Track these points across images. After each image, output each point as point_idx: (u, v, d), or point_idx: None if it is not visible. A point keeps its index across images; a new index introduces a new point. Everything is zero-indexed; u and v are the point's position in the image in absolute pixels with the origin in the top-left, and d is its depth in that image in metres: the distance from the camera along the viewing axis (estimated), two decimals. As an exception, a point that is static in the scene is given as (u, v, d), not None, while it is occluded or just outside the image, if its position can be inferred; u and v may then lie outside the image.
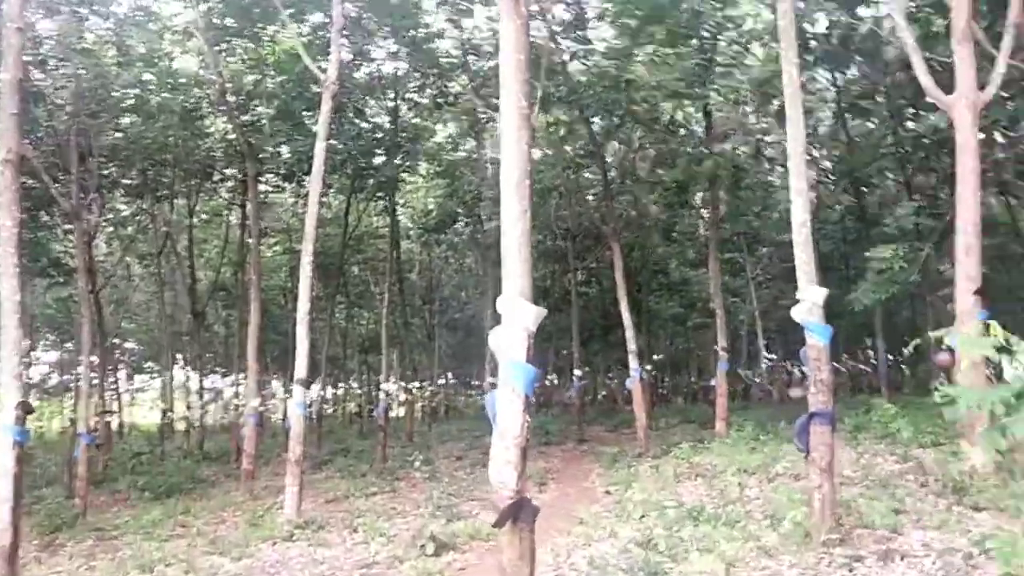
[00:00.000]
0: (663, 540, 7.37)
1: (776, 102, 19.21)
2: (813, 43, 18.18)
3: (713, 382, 17.52)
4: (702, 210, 23.63)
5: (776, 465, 10.94)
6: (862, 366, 25.47)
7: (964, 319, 9.00)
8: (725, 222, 21.40)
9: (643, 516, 8.99)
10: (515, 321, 4.87)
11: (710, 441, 15.26)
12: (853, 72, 18.45)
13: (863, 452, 11.44)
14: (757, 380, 29.00)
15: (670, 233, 25.68)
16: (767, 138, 20.45)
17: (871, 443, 12.79)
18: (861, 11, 17.48)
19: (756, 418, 17.65)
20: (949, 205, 11.48)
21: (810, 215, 7.29)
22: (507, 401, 4.88)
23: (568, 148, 19.20)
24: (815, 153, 20.74)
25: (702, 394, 32.74)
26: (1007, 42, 9.41)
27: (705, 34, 16.26)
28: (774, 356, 28.58)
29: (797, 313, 7.23)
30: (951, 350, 9.54)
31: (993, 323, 4.70)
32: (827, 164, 21.59)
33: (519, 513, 4.82)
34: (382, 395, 19.47)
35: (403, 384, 25.46)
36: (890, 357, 21.37)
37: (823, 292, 7.19)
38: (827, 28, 18.05)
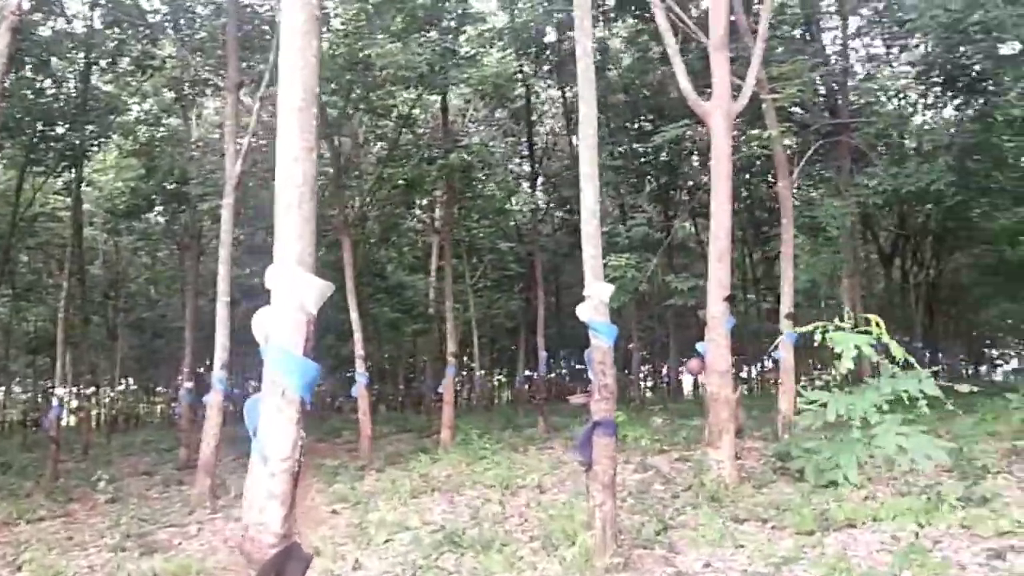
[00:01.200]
0: (426, 574, 6.29)
1: (512, 105, 19.21)
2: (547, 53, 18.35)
3: (441, 389, 16.79)
4: (430, 212, 22.90)
5: (520, 478, 10.34)
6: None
7: (714, 325, 8.96)
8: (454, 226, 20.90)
9: (388, 541, 7.85)
10: (289, 298, 3.58)
11: (436, 451, 14.56)
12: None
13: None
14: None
15: (391, 234, 24.72)
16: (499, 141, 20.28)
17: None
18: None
19: (478, 425, 17.30)
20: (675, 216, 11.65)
21: (599, 206, 6.63)
22: (274, 409, 3.55)
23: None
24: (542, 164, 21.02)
25: (414, 402, 32.19)
26: (758, 52, 9.63)
27: (447, 24, 15.61)
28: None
29: (583, 311, 6.53)
30: (701, 356, 9.52)
31: (875, 317, 4.37)
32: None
33: (285, 565, 3.51)
34: (54, 401, 16.38)
35: (78, 390, 21.95)
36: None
37: (609, 288, 6.58)
38: (555, 40, 18.29)
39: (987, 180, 17.54)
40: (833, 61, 16.27)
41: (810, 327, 4.63)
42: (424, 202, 22.59)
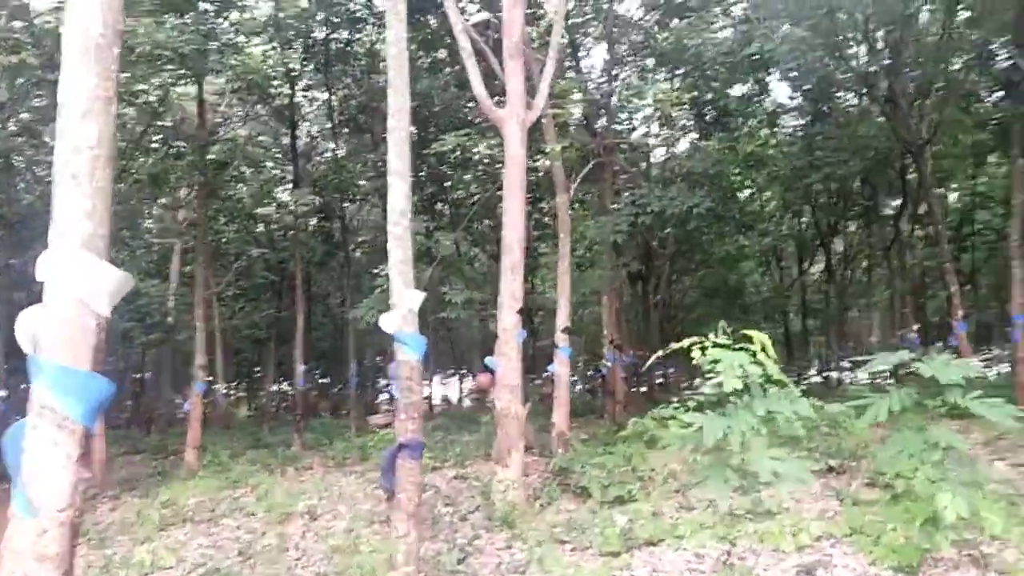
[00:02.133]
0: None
1: (274, 102, 17.97)
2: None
3: (188, 406, 15.18)
4: (173, 212, 20.87)
5: (287, 504, 9.43)
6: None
7: (506, 338, 8.70)
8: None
9: (143, 587, 6.73)
10: (70, 294, 2.73)
11: (178, 473, 13.14)
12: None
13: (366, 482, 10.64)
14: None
15: (125, 234, 22.24)
16: (261, 137, 18.94)
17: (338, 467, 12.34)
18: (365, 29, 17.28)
19: (223, 444, 15.98)
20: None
21: (409, 204, 6.07)
22: (46, 442, 2.67)
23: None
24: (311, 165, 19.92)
25: (143, 419, 29.22)
26: (551, 63, 9.58)
27: (207, 7, 14.23)
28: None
29: (388, 322, 5.93)
30: (491, 370, 9.22)
31: (758, 334, 4.17)
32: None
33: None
34: None
35: None
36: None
37: (420, 296, 6.03)
38: (324, 38, 17.45)
39: (723, 208, 19.07)
40: (597, 86, 16.91)
41: (686, 343, 4.40)
42: (163, 201, 20.58)
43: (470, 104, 15.12)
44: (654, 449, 10.11)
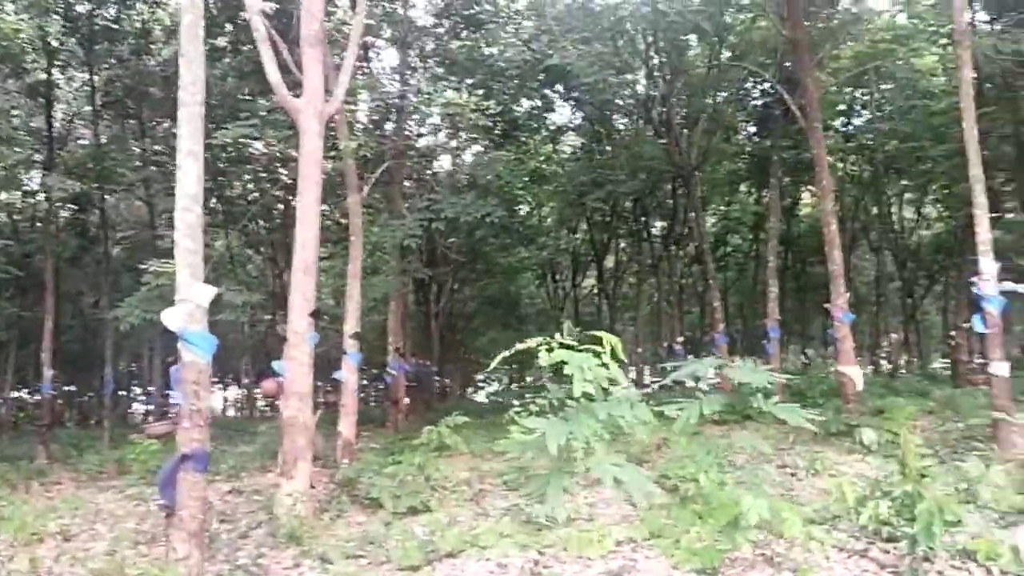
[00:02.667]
0: None
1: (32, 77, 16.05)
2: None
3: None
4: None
5: (37, 523, 8.32)
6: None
7: (296, 342, 8.21)
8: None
9: None
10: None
11: None
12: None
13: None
14: None
15: None
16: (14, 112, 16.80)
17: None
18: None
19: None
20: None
21: (202, 189, 5.53)
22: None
23: None
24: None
25: None
26: (351, 54, 9.25)
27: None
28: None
29: (172, 318, 5.35)
30: (277, 376, 8.66)
31: (610, 336, 4.01)
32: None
33: None
34: None
35: None
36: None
37: (211, 291, 5.50)
38: (88, 12, 15.94)
39: (508, 220, 19.47)
40: (386, 90, 16.64)
41: (531, 343, 4.22)
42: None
43: (250, 96, 14.29)
44: (444, 457, 9.99)
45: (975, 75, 10.24)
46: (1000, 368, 9.05)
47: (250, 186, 18.67)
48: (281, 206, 17.96)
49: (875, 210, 23.91)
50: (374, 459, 10.36)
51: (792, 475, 8.86)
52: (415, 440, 9.50)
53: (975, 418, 10.32)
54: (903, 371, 25.80)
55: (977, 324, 9.22)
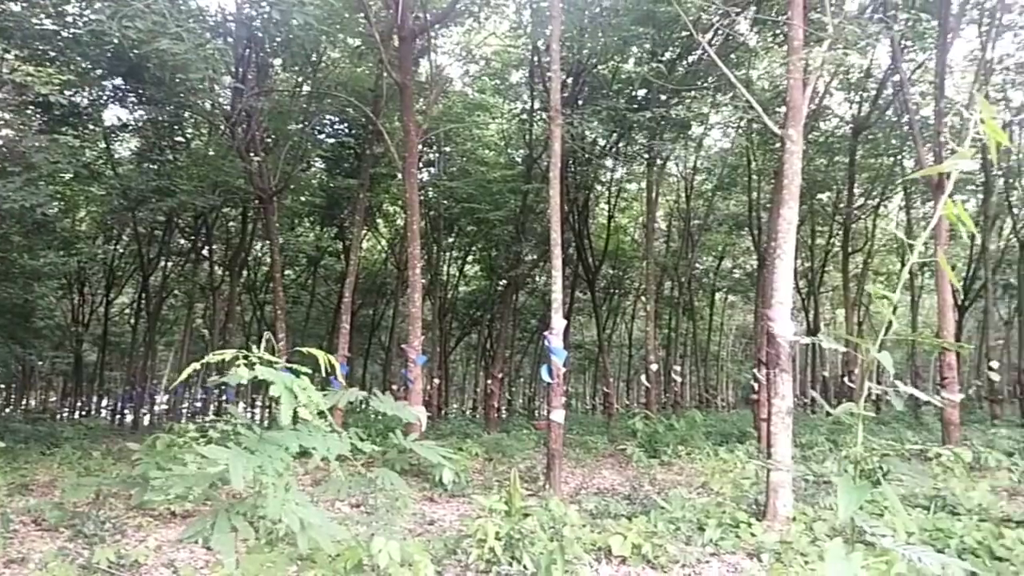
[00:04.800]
0: None
1: None
2: None
3: None
4: None
5: None
6: None
7: None
8: None
9: None
10: None
11: None
12: None
13: None
14: None
15: None
16: None
17: None
18: None
19: None
20: None
21: None
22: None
23: None
24: None
25: None
26: None
27: None
28: None
29: None
30: None
31: (321, 352, 3.15)
32: None
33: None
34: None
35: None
36: None
37: None
38: None
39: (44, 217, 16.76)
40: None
41: (226, 354, 3.27)
42: None
43: None
44: None
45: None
46: (558, 416, 10.06)
47: None
48: None
49: (425, 259, 25.53)
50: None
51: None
52: None
53: (526, 460, 11.34)
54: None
55: (544, 374, 10.17)
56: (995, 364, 20.53)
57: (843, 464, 10.71)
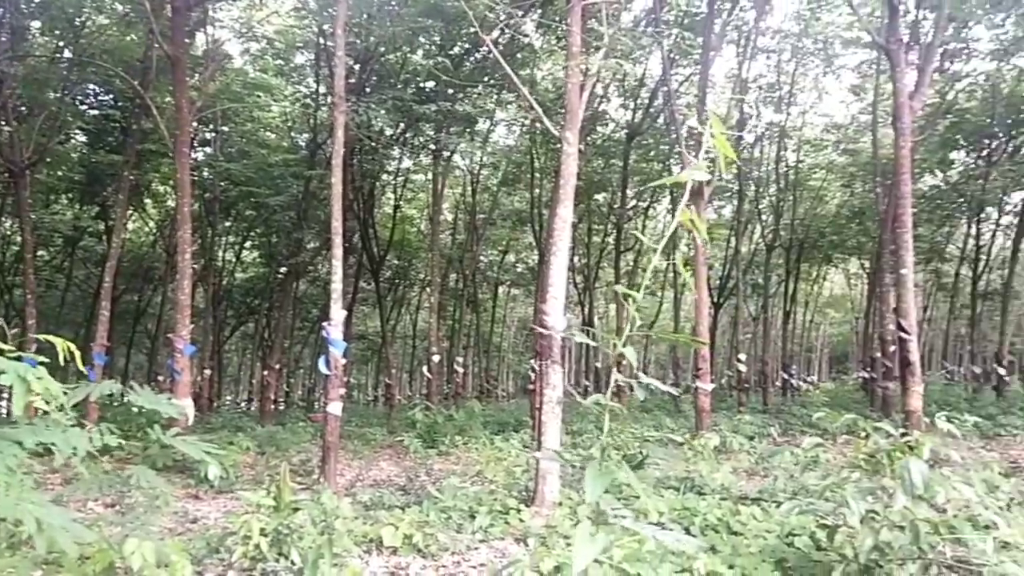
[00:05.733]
0: None
1: None
2: None
3: None
4: None
5: None
6: None
7: None
8: None
9: None
10: None
11: None
12: None
13: None
14: None
15: None
16: None
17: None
18: None
19: None
20: None
21: None
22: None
23: None
24: None
25: None
26: None
27: None
28: None
29: None
30: None
31: (60, 340, 2.68)
32: None
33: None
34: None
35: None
36: None
37: None
38: None
39: None
40: None
41: None
42: None
43: None
44: None
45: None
46: (335, 408, 9.88)
47: None
48: None
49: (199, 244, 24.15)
50: None
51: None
52: None
53: (301, 453, 11.06)
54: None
55: (322, 366, 9.96)
56: (743, 356, 22.66)
57: (602, 452, 11.34)
